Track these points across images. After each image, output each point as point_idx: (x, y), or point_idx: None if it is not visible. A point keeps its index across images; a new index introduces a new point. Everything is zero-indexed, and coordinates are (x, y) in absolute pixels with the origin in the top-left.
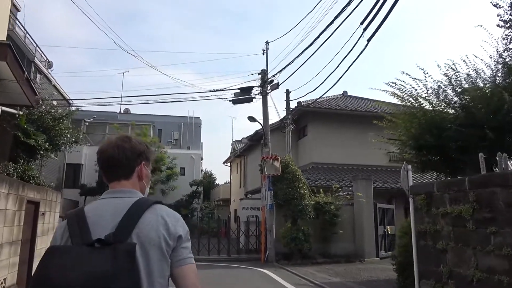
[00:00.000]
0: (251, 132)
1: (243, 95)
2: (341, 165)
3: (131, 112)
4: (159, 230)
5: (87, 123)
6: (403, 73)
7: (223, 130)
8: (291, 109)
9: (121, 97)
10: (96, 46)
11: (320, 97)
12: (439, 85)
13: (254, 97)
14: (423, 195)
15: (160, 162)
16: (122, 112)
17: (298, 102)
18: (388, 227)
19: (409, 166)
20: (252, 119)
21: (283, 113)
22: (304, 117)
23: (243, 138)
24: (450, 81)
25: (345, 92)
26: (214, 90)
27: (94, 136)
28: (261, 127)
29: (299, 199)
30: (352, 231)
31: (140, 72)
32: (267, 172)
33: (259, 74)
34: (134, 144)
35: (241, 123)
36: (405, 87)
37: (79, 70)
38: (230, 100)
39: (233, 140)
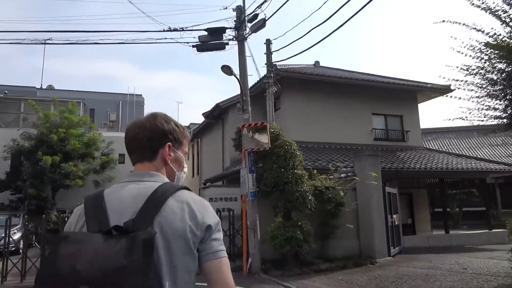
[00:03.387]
0: (200, 121)
1: (212, 40)
2: (322, 144)
3: (56, 88)
4: (185, 219)
5: None
6: None
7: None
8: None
9: (35, 32)
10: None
11: (305, 51)
12: None
13: (228, 43)
14: None
15: (93, 147)
16: (44, 88)
17: (274, 65)
18: (395, 216)
19: None
20: (227, 69)
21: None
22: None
23: (191, 123)
24: None
25: (317, 62)
26: (170, 30)
27: (6, 116)
28: (238, 84)
29: (295, 183)
30: (355, 223)
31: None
32: (248, 147)
33: (234, 10)
34: (159, 122)
35: (189, 109)
36: None
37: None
38: (193, 46)
39: None
